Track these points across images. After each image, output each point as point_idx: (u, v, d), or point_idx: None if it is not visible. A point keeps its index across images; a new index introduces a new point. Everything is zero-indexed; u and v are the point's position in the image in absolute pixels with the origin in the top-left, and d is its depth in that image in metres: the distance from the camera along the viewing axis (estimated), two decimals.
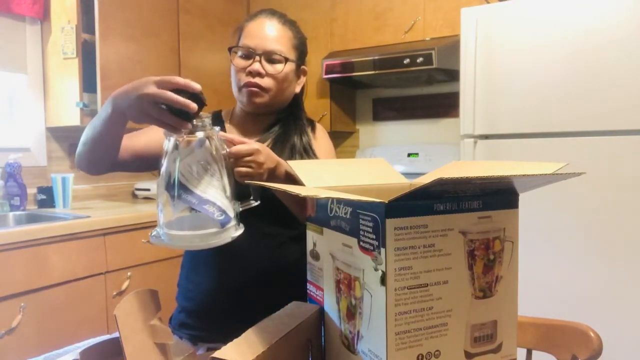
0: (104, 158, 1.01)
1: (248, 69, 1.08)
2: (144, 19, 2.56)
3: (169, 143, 0.76)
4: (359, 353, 0.59)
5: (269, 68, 1.09)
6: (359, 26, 2.89)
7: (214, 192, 0.75)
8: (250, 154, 0.86)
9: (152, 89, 0.77)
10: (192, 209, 0.74)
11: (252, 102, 1.11)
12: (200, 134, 0.76)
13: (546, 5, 1.93)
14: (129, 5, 2.47)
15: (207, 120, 0.78)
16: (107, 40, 2.36)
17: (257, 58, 1.08)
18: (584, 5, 1.86)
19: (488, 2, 2.34)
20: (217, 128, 0.80)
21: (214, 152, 0.78)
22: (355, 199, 0.53)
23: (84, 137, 0.99)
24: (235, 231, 0.77)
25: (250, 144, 0.87)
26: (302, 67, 1.18)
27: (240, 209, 0.81)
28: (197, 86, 0.78)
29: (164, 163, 0.76)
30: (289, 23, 1.14)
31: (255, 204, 0.86)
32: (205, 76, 2.92)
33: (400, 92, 3.14)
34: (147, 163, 1.08)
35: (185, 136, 0.76)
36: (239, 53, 1.10)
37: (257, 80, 1.08)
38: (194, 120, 0.77)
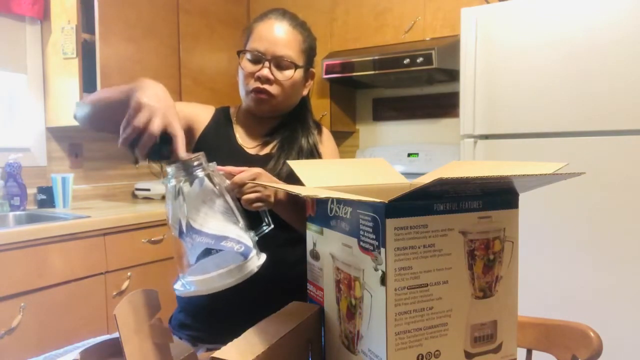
0: (107, 121, 1.00)
1: (257, 74, 1.07)
2: (144, 19, 2.56)
3: (170, 189, 0.74)
4: (359, 353, 0.59)
5: (278, 74, 1.08)
6: (359, 26, 2.89)
7: (228, 227, 0.74)
8: (253, 179, 0.86)
9: (171, 116, 0.76)
10: (209, 252, 0.73)
11: (260, 108, 1.10)
12: (200, 174, 0.75)
13: (546, 5, 1.93)
14: (129, 5, 2.47)
15: (203, 158, 0.77)
16: (107, 40, 2.36)
17: (267, 64, 1.07)
18: (584, 5, 1.86)
19: (488, 2, 2.34)
20: (213, 163, 0.79)
21: (217, 188, 0.77)
22: (355, 199, 0.53)
23: (96, 98, 0.97)
24: (258, 260, 0.75)
25: (250, 170, 0.87)
26: (311, 69, 1.17)
27: (257, 238, 0.80)
28: (183, 155, 0.76)
29: (170, 211, 0.74)
30: (300, 26, 1.12)
31: (269, 228, 0.85)
32: (205, 76, 2.92)
33: (400, 92, 3.14)
34: None
35: (184, 179, 0.74)
36: (248, 56, 1.09)
37: (265, 86, 1.07)
38: (194, 161, 0.75)
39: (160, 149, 0.76)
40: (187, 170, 0.75)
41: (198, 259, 0.73)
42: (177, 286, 0.72)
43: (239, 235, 0.74)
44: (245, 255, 0.73)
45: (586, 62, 1.86)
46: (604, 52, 1.83)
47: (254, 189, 0.87)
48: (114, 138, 0.81)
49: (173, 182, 0.74)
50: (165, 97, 0.79)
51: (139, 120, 0.74)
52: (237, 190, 0.85)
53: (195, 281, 0.72)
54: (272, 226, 0.85)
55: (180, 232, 0.73)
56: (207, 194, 0.75)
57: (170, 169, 0.75)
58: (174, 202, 0.74)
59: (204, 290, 0.72)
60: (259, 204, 0.87)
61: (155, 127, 0.74)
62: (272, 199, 0.90)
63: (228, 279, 0.71)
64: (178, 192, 0.73)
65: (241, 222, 0.77)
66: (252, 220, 0.82)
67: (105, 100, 0.96)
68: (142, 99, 0.76)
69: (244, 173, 0.86)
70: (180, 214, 0.73)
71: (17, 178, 2.28)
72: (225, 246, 0.72)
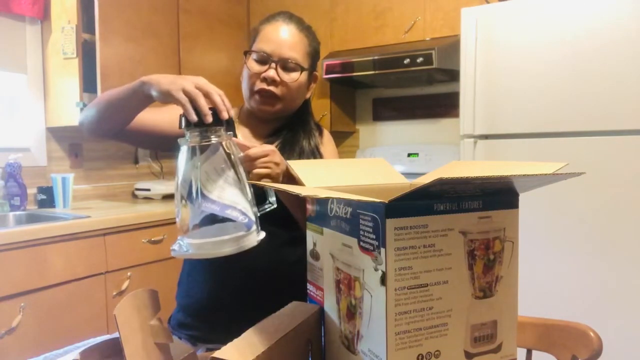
0: (112, 124, 1.03)
1: (263, 75, 1.07)
2: (144, 19, 2.56)
3: (184, 150, 0.75)
4: (359, 353, 0.59)
5: (284, 76, 1.08)
6: (359, 26, 2.89)
7: (235, 197, 0.75)
8: (266, 155, 0.88)
9: (204, 80, 0.84)
10: (212, 221, 0.73)
11: (264, 109, 1.11)
12: (215, 139, 0.76)
13: (546, 6, 1.93)
14: (129, 5, 2.47)
15: (222, 126, 0.78)
16: (107, 40, 2.36)
17: (273, 65, 1.07)
18: (584, 6, 1.86)
19: (488, 2, 2.34)
20: (230, 133, 0.80)
21: (231, 157, 0.77)
22: (355, 199, 0.53)
23: (99, 100, 1.01)
24: (258, 235, 0.76)
25: (264, 146, 0.89)
26: (314, 73, 1.18)
27: (259, 214, 0.81)
28: (225, 115, 0.80)
29: (180, 172, 0.75)
30: (306, 29, 1.14)
31: (272, 207, 0.85)
32: (205, 76, 2.87)
33: (400, 92, 3.14)
34: (150, 139, 1.10)
35: (200, 142, 0.75)
36: (254, 56, 1.10)
37: (271, 88, 1.07)
38: (211, 126, 0.76)
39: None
40: (204, 134, 0.75)
41: (201, 224, 0.73)
42: (174, 246, 0.73)
43: (245, 208, 0.75)
44: (247, 227, 0.73)
45: (586, 62, 1.86)
46: (604, 52, 1.83)
47: (265, 165, 0.88)
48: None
49: (189, 143, 0.75)
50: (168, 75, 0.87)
51: (192, 88, 0.80)
52: (248, 164, 0.85)
53: (192, 244, 0.72)
54: (276, 205, 0.86)
55: (189, 194, 0.73)
56: (220, 162, 0.76)
57: (188, 131, 0.76)
58: (186, 163, 0.74)
59: (200, 254, 0.72)
60: (268, 178, 0.88)
61: (184, 84, 0.82)
62: (280, 178, 0.91)
63: (225, 248, 0.72)
64: (193, 154, 0.74)
65: (249, 196, 0.77)
66: (256, 198, 0.83)
67: (111, 99, 0.98)
68: (173, 80, 0.83)
69: (257, 148, 0.88)
70: (191, 174, 0.73)
71: (17, 178, 2.28)
72: (231, 215, 0.72)
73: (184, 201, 0.74)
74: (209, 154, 0.75)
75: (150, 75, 0.88)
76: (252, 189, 0.79)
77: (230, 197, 0.74)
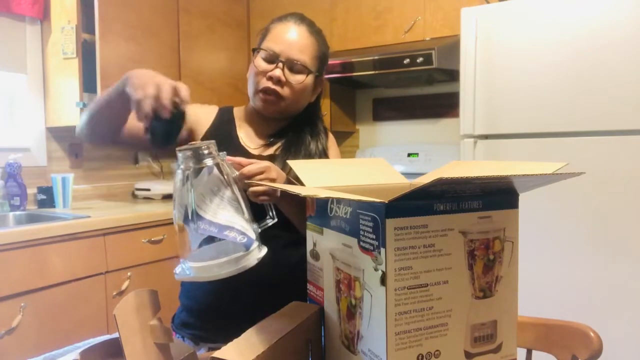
0: (107, 129, 1.03)
1: (269, 74, 1.07)
2: (144, 19, 2.56)
3: (178, 174, 0.75)
4: (359, 353, 0.59)
5: (290, 77, 1.08)
6: (359, 26, 2.89)
7: (232, 217, 0.74)
8: (262, 172, 0.87)
9: (169, 86, 0.82)
10: (212, 239, 0.73)
11: (266, 108, 1.10)
12: (208, 162, 0.76)
13: (546, 5, 1.93)
14: (129, 5, 2.47)
15: (214, 147, 0.77)
16: (107, 40, 2.36)
17: (280, 65, 1.07)
18: (584, 5, 1.86)
19: (488, 2, 2.34)
20: (223, 153, 0.80)
21: (225, 177, 0.77)
22: (355, 199, 0.53)
23: (92, 106, 1.02)
24: (259, 252, 0.76)
25: (259, 163, 0.88)
26: (321, 77, 1.18)
27: (260, 230, 0.81)
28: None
29: (176, 196, 0.75)
30: (316, 33, 1.13)
31: (272, 221, 0.85)
32: (205, 76, 2.92)
33: (400, 92, 3.14)
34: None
35: (193, 165, 0.75)
36: (262, 54, 1.09)
37: (276, 87, 1.07)
38: (203, 149, 0.76)
39: (172, 126, 0.81)
40: (197, 158, 0.75)
41: (200, 245, 0.73)
42: (177, 270, 0.73)
43: (243, 227, 0.75)
44: (247, 247, 0.73)
45: (586, 62, 1.86)
46: (604, 52, 1.83)
47: (262, 182, 0.87)
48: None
49: (182, 167, 0.75)
50: (158, 74, 0.86)
51: (149, 91, 0.80)
52: (244, 182, 0.85)
53: (194, 267, 0.72)
54: (276, 220, 0.86)
55: (185, 218, 0.73)
56: (215, 183, 0.75)
57: (180, 155, 0.75)
58: (181, 187, 0.74)
59: (202, 277, 0.72)
60: (265, 197, 0.87)
61: (167, 92, 0.81)
62: (278, 193, 0.90)
63: (227, 269, 0.72)
64: (186, 178, 0.74)
65: (246, 214, 0.77)
66: (256, 213, 0.82)
67: (101, 101, 0.98)
68: (140, 76, 0.82)
69: (253, 165, 0.87)
70: (186, 200, 0.73)
71: (17, 178, 2.28)
72: (229, 236, 0.72)
73: (182, 224, 0.74)
74: (204, 176, 0.75)
75: (133, 72, 0.88)
76: (250, 206, 0.79)
77: (228, 217, 0.74)
